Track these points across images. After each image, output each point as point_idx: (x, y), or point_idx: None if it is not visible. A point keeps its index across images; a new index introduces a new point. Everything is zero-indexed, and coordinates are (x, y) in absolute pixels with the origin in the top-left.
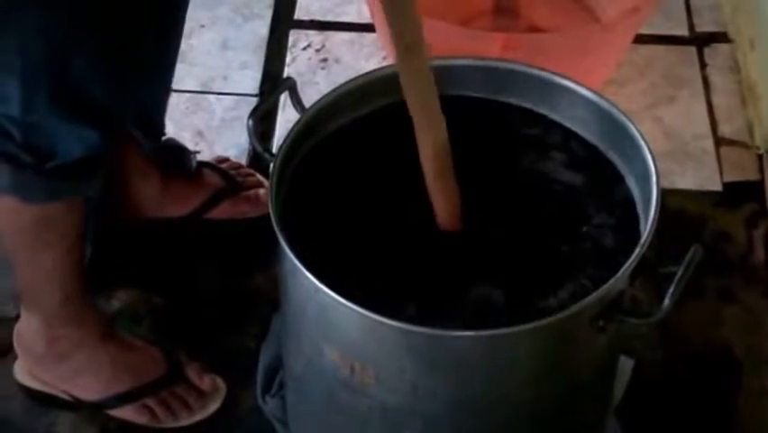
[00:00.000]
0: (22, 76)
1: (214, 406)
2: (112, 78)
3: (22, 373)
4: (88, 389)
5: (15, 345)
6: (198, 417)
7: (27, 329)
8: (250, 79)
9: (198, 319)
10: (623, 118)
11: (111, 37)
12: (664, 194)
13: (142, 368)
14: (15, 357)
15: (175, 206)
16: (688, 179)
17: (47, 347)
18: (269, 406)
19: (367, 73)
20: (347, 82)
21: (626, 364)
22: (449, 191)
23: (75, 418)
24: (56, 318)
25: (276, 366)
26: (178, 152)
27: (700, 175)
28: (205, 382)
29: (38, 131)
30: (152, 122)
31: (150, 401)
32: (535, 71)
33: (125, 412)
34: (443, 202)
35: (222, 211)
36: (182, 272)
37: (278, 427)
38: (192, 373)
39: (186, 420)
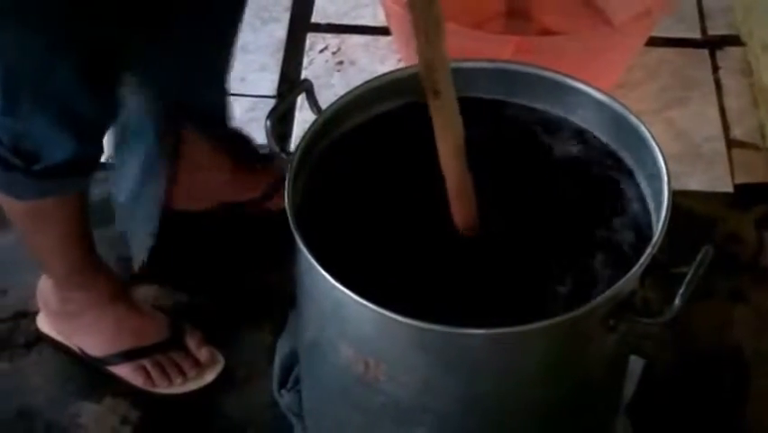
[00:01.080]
0: (3, 84)
1: (209, 376)
2: (91, 89)
3: (43, 323)
4: (92, 345)
5: (37, 298)
6: (193, 385)
7: (45, 287)
8: (268, 81)
9: (217, 314)
10: (634, 120)
11: (88, 51)
12: (676, 195)
13: (145, 331)
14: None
15: (245, 191)
16: (699, 181)
17: (59, 305)
18: (286, 400)
19: (381, 75)
20: (362, 84)
21: (636, 364)
22: (468, 192)
23: (97, 409)
24: (66, 284)
25: (292, 361)
26: (243, 142)
27: (712, 176)
28: (203, 352)
29: (24, 136)
30: (212, 119)
31: (147, 363)
32: (546, 73)
33: (123, 370)
34: (462, 204)
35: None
36: (202, 268)
37: (293, 420)
38: (192, 342)
39: (180, 387)
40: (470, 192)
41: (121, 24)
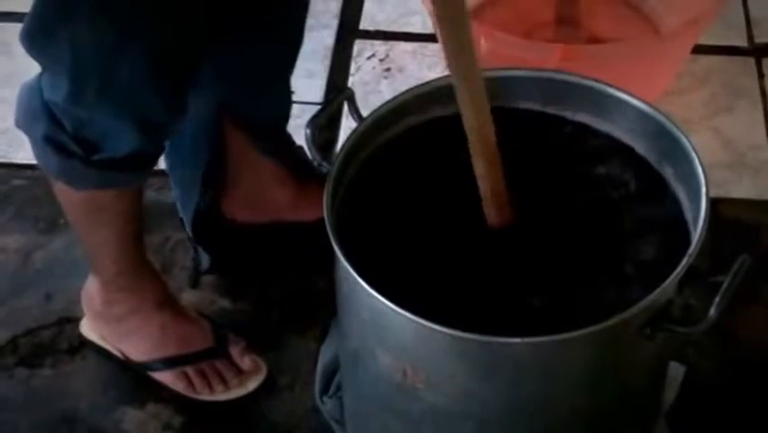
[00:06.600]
0: (71, 71)
1: (252, 385)
2: (159, 88)
3: (86, 327)
4: (136, 350)
5: (82, 300)
6: (234, 394)
7: (91, 288)
8: (316, 88)
9: (261, 321)
10: (675, 130)
11: (160, 50)
12: (721, 203)
13: (190, 338)
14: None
15: (308, 210)
16: (744, 189)
17: (104, 308)
18: (328, 407)
19: (424, 83)
20: (404, 92)
21: (677, 370)
22: (495, 173)
23: (140, 415)
24: (113, 284)
25: (334, 368)
26: (307, 163)
27: (757, 184)
28: (246, 361)
29: (87, 124)
30: (270, 134)
31: (190, 370)
32: (589, 82)
33: (165, 376)
34: (489, 186)
35: None
36: (245, 274)
37: (335, 427)
38: (235, 350)
39: (221, 395)
40: (497, 169)
41: (188, 23)
